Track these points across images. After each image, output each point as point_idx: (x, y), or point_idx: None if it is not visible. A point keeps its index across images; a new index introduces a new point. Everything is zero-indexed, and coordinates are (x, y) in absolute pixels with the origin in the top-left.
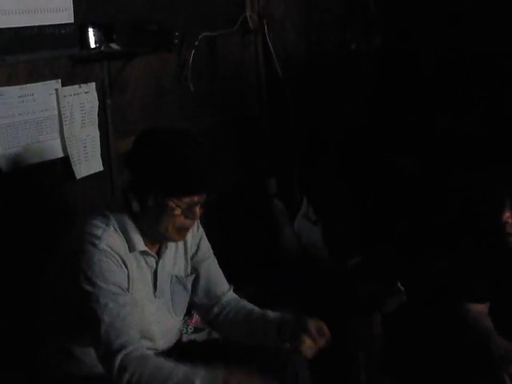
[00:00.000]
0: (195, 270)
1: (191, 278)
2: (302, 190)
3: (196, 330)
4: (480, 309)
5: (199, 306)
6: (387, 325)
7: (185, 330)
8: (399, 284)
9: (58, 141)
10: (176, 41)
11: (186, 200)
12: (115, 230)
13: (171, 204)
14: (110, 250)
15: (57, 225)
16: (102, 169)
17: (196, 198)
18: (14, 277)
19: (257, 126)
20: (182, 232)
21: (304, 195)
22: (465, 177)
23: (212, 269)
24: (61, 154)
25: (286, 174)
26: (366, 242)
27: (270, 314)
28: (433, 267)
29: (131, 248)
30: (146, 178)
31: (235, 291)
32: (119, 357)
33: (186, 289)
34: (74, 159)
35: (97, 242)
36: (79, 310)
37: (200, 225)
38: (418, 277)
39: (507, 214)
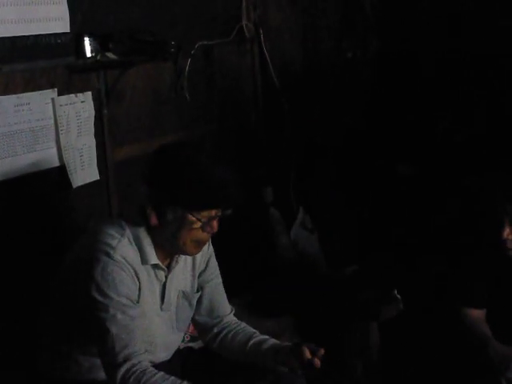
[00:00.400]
0: (201, 288)
1: (197, 296)
2: (299, 199)
3: (193, 339)
4: (478, 314)
5: (200, 324)
6: (384, 333)
7: (182, 338)
8: (396, 292)
9: (55, 150)
10: (172, 50)
11: (206, 214)
12: (130, 241)
13: (191, 218)
14: (123, 260)
15: (53, 233)
16: (98, 178)
17: (215, 212)
18: (11, 283)
19: (253, 134)
20: (199, 245)
21: (300, 204)
22: (463, 184)
23: (217, 289)
24: (57, 163)
25: (283, 183)
26: (363, 250)
27: (269, 341)
28: (430, 273)
29: (144, 261)
30: (166, 192)
31: (232, 299)
32: (122, 369)
33: (191, 305)
34: (70, 168)
35: (111, 252)
36: (84, 315)
37: (211, 243)
38: (415, 284)
39: (507, 231)
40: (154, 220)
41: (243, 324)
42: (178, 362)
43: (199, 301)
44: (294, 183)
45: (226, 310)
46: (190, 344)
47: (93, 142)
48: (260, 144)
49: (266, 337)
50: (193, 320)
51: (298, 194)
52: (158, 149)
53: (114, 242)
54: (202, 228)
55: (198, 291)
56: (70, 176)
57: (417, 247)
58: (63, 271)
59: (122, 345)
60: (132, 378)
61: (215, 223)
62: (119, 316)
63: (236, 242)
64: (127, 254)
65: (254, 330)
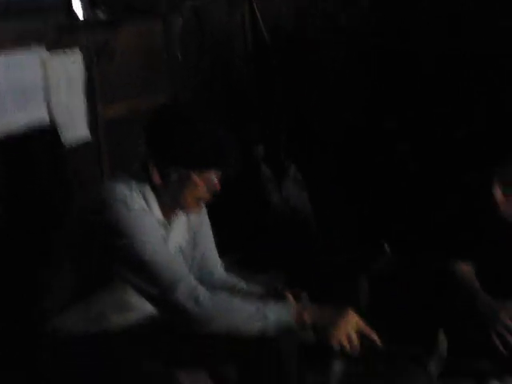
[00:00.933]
0: (194, 244)
1: (191, 250)
2: (290, 156)
3: None
4: (467, 268)
5: None
6: (374, 286)
7: None
8: (386, 245)
9: (45, 109)
10: (163, 8)
11: (210, 173)
12: (138, 196)
13: (195, 178)
14: (142, 209)
15: (46, 192)
16: (89, 136)
17: (218, 171)
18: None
19: (244, 92)
20: (200, 203)
21: (292, 161)
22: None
23: (209, 245)
24: (48, 122)
25: (274, 141)
26: (353, 205)
27: (257, 288)
28: (420, 227)
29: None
30: (170, 153)
31: (223, 256)
32: (183, 288)
33: (186, 259)
34: (61, 127)
35: (129, 202)
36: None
37: None
38: (405, 237)
39: (499, 192)
40: (157, 179)
41: (232, 277)
42: None
43: (192, 255)
44: (285, 140)
45: (216, 264)
46: None
47: (83, 100)
48: (251, 102)
49: (257, 287)
50: None
51: (289, 151)
52: (160, 109)
53: (127, 195)
54: (205, 188)
55: (191, 247)
56: (61, 134)
57: (408, 202)
58: (70, 231)
59: (171, 271)
60: (201, 294)
61: (217, 183)
62: (157, 249)
63: (227, 200)
64: (141, 204)
65: (240, 280)
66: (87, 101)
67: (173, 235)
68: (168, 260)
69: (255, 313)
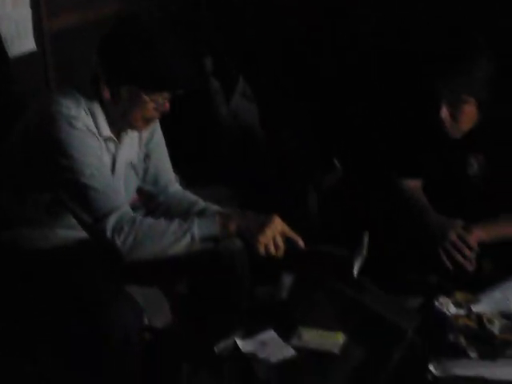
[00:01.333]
0: (147, 158)
1: (143, 166)
2: (239, 68)
3: (133, 209)
4: (414, 184)
5: (145, 192)
6: (323, 203)
7: None
8: (335, 160)
9: None
10: None
11: (161, 94)
12: (86, 113)
13: (145, 98)
14: (86, 129)
15: None
16: (35, 47)
17: (170, 92)
18: None
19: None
20: (149, 122)
21: (240, 73)
22: None
23: (162, 158)
24: None
25: (223, 52)
26: (303, 119)
27: (212, 207)
28: (369, 142)
29: (98, 133)
30: (123, 71)
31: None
32: (112, 218)
33: (138, 175)
34: (6, 39)
35: (73, 121)
36: (46, 182)
37: None
38: (354, 153)
39: (444, 111)
40: (106, 95)
41: (188, 193)
42: None
43: (145, 170)
44: (234, 51)
45: (170, 178)
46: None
47: (28, 11)
48: (200, 12)
49: (210, 204)
50: (138, 189)
51: (237, 63)
52: (116, 22)
53: (73, 112)
54: (155, 108)
55: (144, 161)
56: (6, 46)
57: (357, 118)
58: (14, 145)
59: (105, 198)
60: (125, 225)
61: (167, 103)
62: (94, 172)
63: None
64: (88, 123)
65: (198, 198)
66: (33, 12)
67: (123, 151)
68: (105, 187)
69: (179, 230)
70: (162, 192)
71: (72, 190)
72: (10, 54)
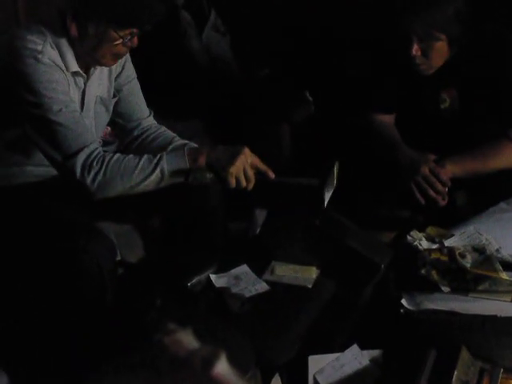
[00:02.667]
0: (118, 92)
1: (114, 100)
2: (210, 1)
3: (105, 143)
4: (387, 119)
5: (118, 126)
6: (295, 136)
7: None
8: (307, 94)
9: None
10: None
11: (129, 31)
12: (52, 47)
13: (113, 34)
14: (53, 63)
15: None
16: None
17: (138, 29)
18: None
19: None
20: (117, 58)
21: (212, 6)
22: None
23: (134, 92)
24: None
25: None
26: (275, 53)
27: (189, 144)
28: (342, 77)
29: (65, 67)
30: (90, 6)
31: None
32: (82, 156)
33: (108, 110)
34: None
35: (39, 56)
36: (18, 120)
37: None
38: (327, 86)
39: (415, 48)
40: (73, 31)
41: (163, 128)
42: None
43: (117, 104)
44: None
45: (144, 113)
46: (104, 148)
47: None
48: None
49: (186, 141)
50: (112, 123)
51: None
52: None
53: (38, 47)
54: (123, 44)
55: (114, 96)
56: None
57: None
58: None
59: (74, 135)
60: (95, 162)
61: (136, 39)
62: (64, 110)
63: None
64: (53, 57)
65: (174, 135)
66: None
67: (92, 86)
68: (73, 123)
69: (148, 165)
70: (136, 126)
71: (40, 127)
72: None
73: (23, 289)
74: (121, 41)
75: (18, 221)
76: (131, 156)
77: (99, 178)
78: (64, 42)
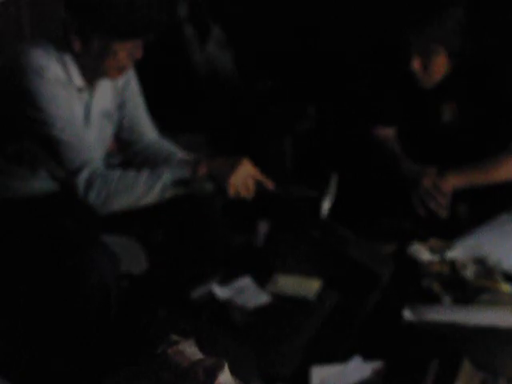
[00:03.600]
0: (123, 107)
1: (118, 114)
2: (214, 14)
3: (111, 156)
4: (388, 133)
5: (122, 141)
6: (298, 147)
7: None
8: (309, 107)
9: None
10: None
11: (132, 42)
12: (56, 62)
13: (116, 47)
14: (56, 79)
15: None
16: None
17: (140, 39)
18: None
19: None
20: (122, 71)
21: (215, 20)
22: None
23: (138, 106)
24: None
25: None
26: (277, 66)
27: (190, 156)
28: (343, 90)
29: (69, 82)
30: (91, 20)
31: None
32: (84, 173)
33: (113, 125)
34: None
35: (43, 71)
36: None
37: None
38: (329, 99)
39: (416, 61)
40: (77, 46)
41: (166, 142)
42: None
43: (121, 118)
44: None
45: (147, 127)
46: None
47: None
48: None
49: (188, 154)
50: (116, 136)
51: (212, 9)
52: None
53: (43, 62)
54: (127, 56)
55: (119, 109)
56: None
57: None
58: None
59: (76, 152)
60: (97, 179)
61: (139, 51)
62: (67, 127)
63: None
64: (57, 73)
65: (177, 149)
66: None
67: (97, 101)
68: (76, 140)
69: (150, 179)
70: (139, 140)
71: (43, 143)
72: None
73: (27, 301)
74: (124, 53)
75: (22, 233)
76: (133, 172)
77: (102, 194)
78: (68, 57)
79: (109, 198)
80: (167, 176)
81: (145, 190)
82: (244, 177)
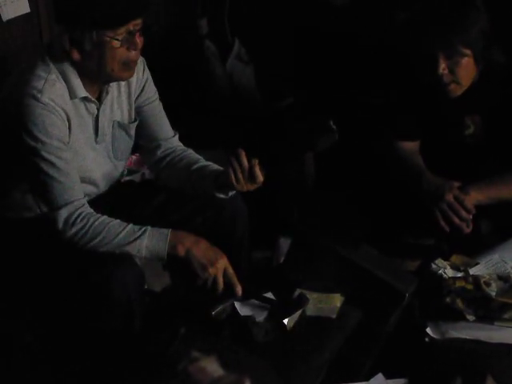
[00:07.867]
0: (139, 114)
1: (134, 125)
2: (234, 30)
3: (130, 172)
4: (411, 146)
5: (143, 149)
6: (320, 164)
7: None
8: (331, 123)
9: None
10: None
11: (122, 30)
12: (56, 77)
13: (107, 38)
14: (52, 103)
15: None
16: (28, 10)
17: (131, 26)
18: None
19: None
20: (129, 67)
21: (236, 35)
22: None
23: (156, 113)
24: None
25: (218, 14)
26: (299, 82)
27: (212, 166)
28: (366, 105)
29: (72, 95)
30: (79, 16)
31: None
32: (65, 211)
33: (129, 134)
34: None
35: (38, 95)
36: (17, 160)
37: (146, 68)
38: (351, 115)
39: (442, 66)
40: (75, 55)
41: (190, 150)
42: (118, 194)
43: (139, 125)
44: (229, 14)
45: (167, 133)
46: (129, 178)
47: None
48: None
49: (210, 163)
50: (137, 146)
51: (233, 25)
52: None
53: (39, 84)
54: (125, 46)
55: (135, 120)
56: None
57: (354, 80)
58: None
59: (61, 188)
60: (79, 219)
61: (136, 39)
62: (54, 160)
63: (169, 74)
64: (55, 93)
65: (200, 157)
66: None
67: (105, 111)
68: (62, 175)
69: (130, 235)
70: (159, 147)
71: (30, 171)
72: (3, 18)
73: (51, 316)
74: (119, 43)
75: (49, 248)
76: (117, 221)
77: (80, 234)
78: (69, 69)
79: (85, 239)
80: (146, 240)
81: (121, 243)
82: (217, 273)
